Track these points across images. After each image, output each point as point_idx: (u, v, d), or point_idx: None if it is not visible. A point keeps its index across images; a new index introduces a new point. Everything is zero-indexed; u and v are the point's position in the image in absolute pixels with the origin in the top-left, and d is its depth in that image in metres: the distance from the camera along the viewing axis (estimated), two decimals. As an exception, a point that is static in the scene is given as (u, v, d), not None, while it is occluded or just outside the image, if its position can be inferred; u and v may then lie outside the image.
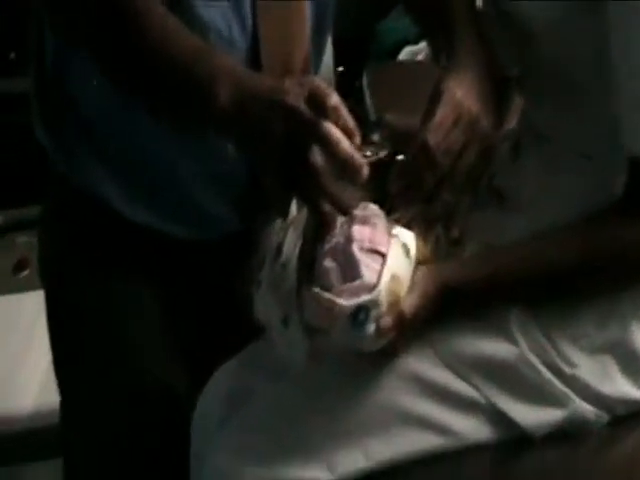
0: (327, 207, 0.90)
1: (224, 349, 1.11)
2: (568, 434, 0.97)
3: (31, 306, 1.65)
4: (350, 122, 0.87)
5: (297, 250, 0.96)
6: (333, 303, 0.89)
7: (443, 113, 0.96)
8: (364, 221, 0.94)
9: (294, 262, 0.95)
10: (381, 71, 2.14)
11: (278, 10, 1.07)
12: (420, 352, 0.96)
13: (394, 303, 0.91)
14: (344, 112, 0.87)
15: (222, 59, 0.93)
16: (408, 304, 0.92)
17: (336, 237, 0.93)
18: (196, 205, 1.14)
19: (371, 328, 0.90)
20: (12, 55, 2.13)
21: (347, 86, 2.06)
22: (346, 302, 0.89)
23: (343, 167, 0.86)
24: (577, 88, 0.99)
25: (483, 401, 0.96)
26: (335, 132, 0.86)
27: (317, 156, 0.87)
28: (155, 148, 1.09)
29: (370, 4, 2.44)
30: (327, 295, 0.90)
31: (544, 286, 0.96)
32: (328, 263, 0.91)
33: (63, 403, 1.23)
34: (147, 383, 1.17)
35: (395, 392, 0.95)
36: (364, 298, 0.89)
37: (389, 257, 0.91)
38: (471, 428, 0.96)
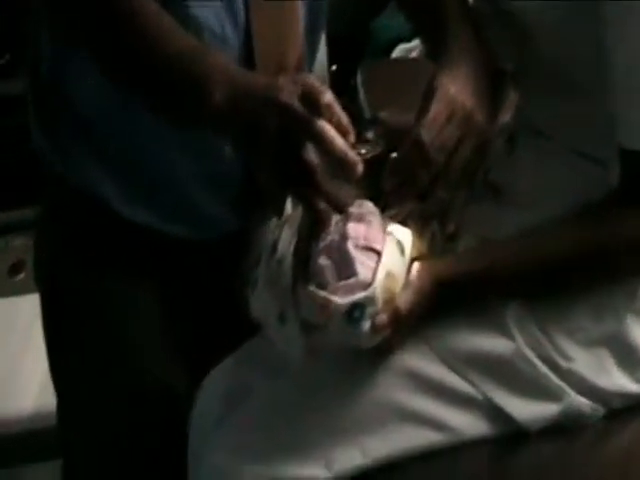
0: (322, 205, 0.90)
1: (222, 348, 1.12)
2: (564, 428, 0.97)
3: (27, 309, 1.65)
4: (344, 119, 0.88)
5: (292, 248, 0.96)
6: (328, 301, 0.89)
7: (437, 109, 0.96)
8: (359, 219, 0.94)
9: (289, 259, 0.96)
10: (375, 69, 2.14)
11: (272, 8, 1.08)
12: (416, 348, 0.96)
13: (389, 300, 0.91)
14: (338, 109, 0.87)
15: (216, 57, 0.93)
16: (403, 301, 0.92)
17: (331, 235, 0.93)
18: (193, 205, 1.14)
19: (367, 325, 0.90)
20: (7, 57, 2.13)
21: (341, 84, 2.06)
22: (341, 300, 0.89)
23: (337, 165, 0.86)
24: (575, 86, 0.99)
25: (479, 396, 0.96)
26: (329, 129, 0.86)
27: (311, 154, 0.88)
28: (154, 147, 1.09)
29: (364, 2, 2.44)
30: (322, 293, 0.90)
31: (540, 280, 0.97)
32: (323, 261, 0.92)
33: (61, 404, 1.22)
34: (147, 383, 1.17)
35: (391, 388, 0.95)
36: (359, 295, 0.90)
37: (384, 254, 0.92)
38: (467, 423, 0.96)
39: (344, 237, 0.92)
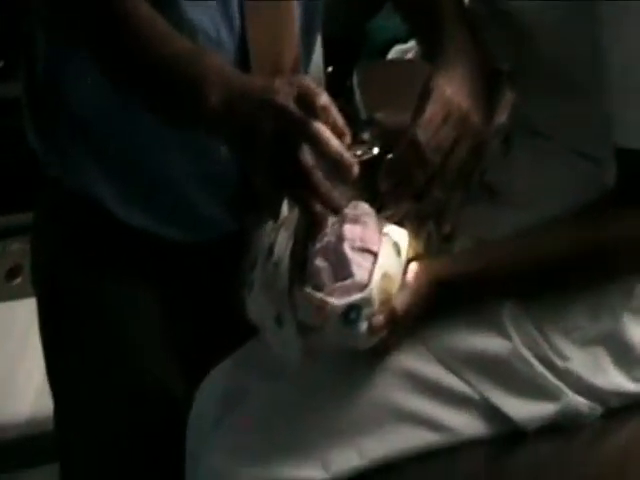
0: (318, 207, 0.90)
1: (221, 349, 1.12)
2: (562, 427, 0.97)
3: (24, 314, 1.65)
4: (340, 121, 0.88)
5: (289, 250, 0.96)
6: (325, 302, 0.89)
7: (433, 110, 0.96)
8: (355, 220, 0.94)
9: (286, 262, 0.96)
10: (371, 70, 2.14)
11: (267, 10, 1.08)
12: (413, 349, 0.96)
13: (386, 301, 0.91)
14: (334, 111, 0.87)
15: (212, 59, 0.93)
16: (400, 301, 0.92)
17: (327, 236, 0.93)
18: (190, 207, 1.14)
19: (363, 326, 0.90)
20: (4, 60, 2.13)
21: (337, 85, 2.06)
22: (338, 301, 0.89)
23: (333, 166, 0.87)
24: (575, 86, 0.99)
25: (476, 396, 0.96)
26: (325, 131, 0.86)
27: (307, 155, 0.88)
28: (151, 147, 1.09)
29: (359, 3, 2.44)
30: (319, 294, 0.90)
31: (536, 280, 0.97)
32: (319, 262, 0.92)
33: (59, 406, 1.22)
34: (147, 383, 1.17)
35: (388, 389, 0.95)
36: (356, 297, 0.90)
37: (380, 255, 0.92)
38: (464, 424, 0.96)
39: (340, 239, 0.92)
